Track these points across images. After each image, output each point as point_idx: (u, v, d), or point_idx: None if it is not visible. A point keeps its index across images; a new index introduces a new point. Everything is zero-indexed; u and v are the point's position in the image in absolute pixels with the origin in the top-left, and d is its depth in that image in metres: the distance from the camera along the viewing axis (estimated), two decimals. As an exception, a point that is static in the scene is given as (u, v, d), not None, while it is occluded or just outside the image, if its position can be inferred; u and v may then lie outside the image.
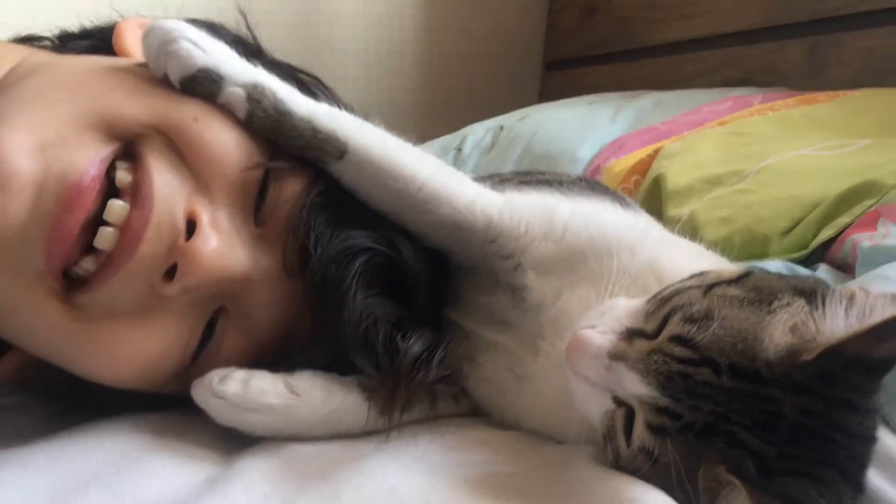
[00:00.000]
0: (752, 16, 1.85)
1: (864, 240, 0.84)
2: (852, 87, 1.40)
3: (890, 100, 1.25)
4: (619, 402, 0.57)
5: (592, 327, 0.59)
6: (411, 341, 0.67)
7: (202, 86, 0.67)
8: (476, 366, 0.73)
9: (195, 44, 0.67)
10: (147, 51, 0.68)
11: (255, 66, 0.71)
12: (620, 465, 0.57)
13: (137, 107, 0.66)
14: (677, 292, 0.58)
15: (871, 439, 0.55)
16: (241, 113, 0.67)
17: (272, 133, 0.68)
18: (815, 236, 0.92)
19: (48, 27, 0.84)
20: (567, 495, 0.58)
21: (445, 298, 0.77)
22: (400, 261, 0.71)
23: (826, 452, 0.52)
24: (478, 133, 1.72)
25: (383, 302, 0.69)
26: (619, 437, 0.57)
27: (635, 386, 0.55)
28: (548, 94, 2.48)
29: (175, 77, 0.67)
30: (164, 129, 0.65)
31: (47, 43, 0.82)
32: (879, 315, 0.50)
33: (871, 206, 0.90)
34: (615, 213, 0.78)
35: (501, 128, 1.68)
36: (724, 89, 1.59)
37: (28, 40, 0.82)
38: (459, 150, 1.68)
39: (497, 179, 0.98)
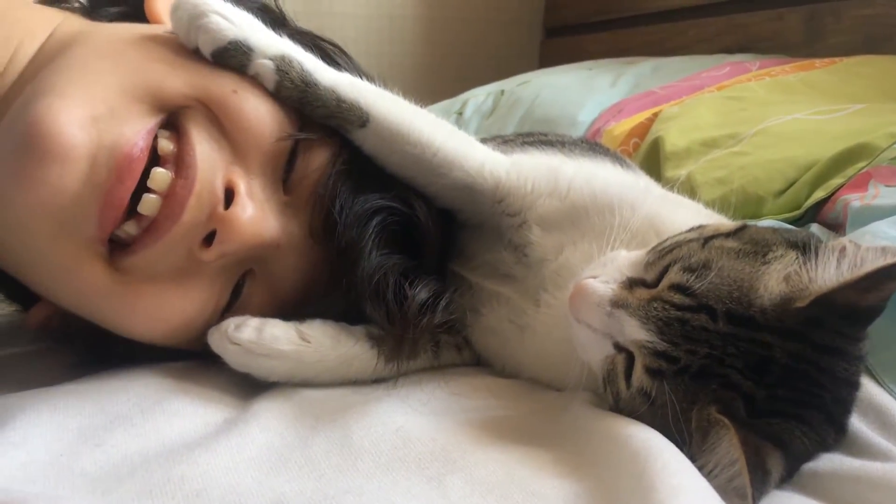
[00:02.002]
0: (752, -18, 1.87)
1: (854, 200, 0.86)
2: (850, 55, 1.42)
3: (884, 66, 1.27)
4: (619, 347, 0.60)
5: (595, 277, 0.62)
6: (418, 289, 0.70)
7: (233, 58, 0.69)
8: (479, 317, 0.76)
9: (224, 17, 0.68)
10: (177, 25, 0.69)
11: (280, 35, 0.73)
12: (620, 408, 0.61)
13: (179, 79, 0.68)
14: (677, 244, 0.61)
15: (855, 384, 0.59)
16: (271, 84, 0.70)
17: (298, 102, 0.70)
18: (808, 197, 0.95)
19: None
20: (565, 434, 0.61)
21: (451, 253, 0.80)
22: (414, 217, 0.74)
23: (812, 395, 0.55)
24: (479, 97, 1.74)
25: (395, 256, 0.72)
26: (620, 380, 0.60)
27: (635, 331, 0.58)
28: (548, 60, 2.48)
29: (207, 50, 0.69)
30: (206, 100, 0.68)
31: (77, 5, 0.82)
32: (870, 266, 0.54)
33: (862, 167, 0.92)
34: (617, 173, 0.81)
35: (502, 92, 1.70)
36: (721, 55, 1.61)
37: (57, 2, 0.82)
38: (461, 114, 1.70)
39: (500, 140, 1.00)
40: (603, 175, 0.76)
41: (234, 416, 0.64)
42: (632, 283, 0.61)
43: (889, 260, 0.53)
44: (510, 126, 1.56)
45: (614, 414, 0.61)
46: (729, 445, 0.53)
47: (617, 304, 0.60)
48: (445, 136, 0.74)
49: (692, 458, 0.54)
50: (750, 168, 0.99)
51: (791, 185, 0.97)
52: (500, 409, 0.67)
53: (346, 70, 0.80)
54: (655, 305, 0.58)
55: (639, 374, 0.58)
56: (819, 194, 0.93)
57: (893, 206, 0.82)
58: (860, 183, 0.90)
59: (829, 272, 0.56)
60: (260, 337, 0.67)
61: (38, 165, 0.61)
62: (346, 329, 0.71)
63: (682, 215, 0.70)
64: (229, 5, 0.70)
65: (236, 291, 0.71)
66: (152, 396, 0.65)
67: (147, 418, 0.61)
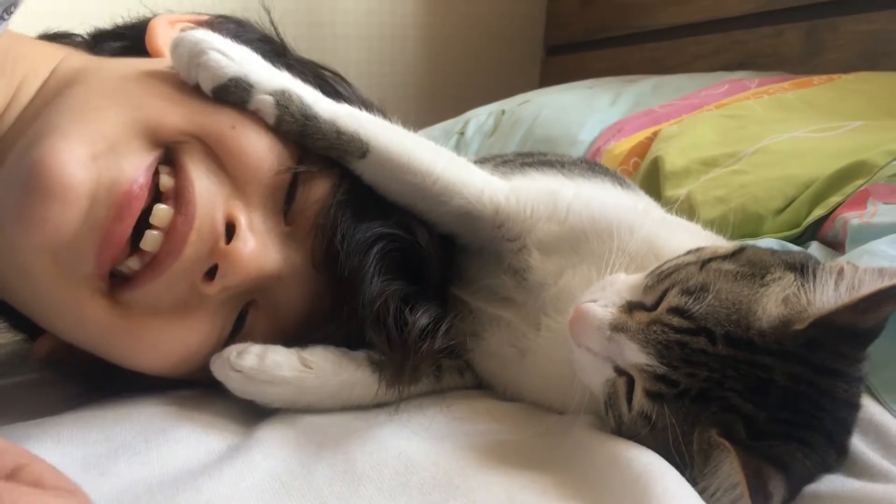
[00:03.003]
0: (751, 0, 1.87)
1: (853, 218, 0.87)
2: (849, 71, 1.43)
3: (882, 83, 1.27)
4: (619, 371, 0.61)
5: (594, 301, 0.63)
6: (419, 314, 0.71)
7: (234, 94, 0.70)
8: (480, 341, 0.77)
9: (224, 54, 0.69)
10: (177, 62, 0.70)
11: (279, 67, 0.74)
12: (623, 431, 0.61)
13: (178, 115, 0.69)
14: (675, 268, 0.62)
15: (855, 406, 0.59)
16: (271, 119, 0.70)
17: (299, 136, 0.71)
18: (807, 215, 0.95)
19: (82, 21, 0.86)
20: (567, 458, 0.61)
21: (452, 278, 0.80)
22: (415, 243, 0.75)
23: (813, 417, 0.55)
24: (480, 117, 1.75)
25: (396, 282, 0.72)
26: (622, 403, 0.60)
27: (635, 355, 0.59)
28: (549, 78, 2.50)
29: (207, 87, 0.69)
30: (204, 136, 0.69)
31: (79, 39, 0.83)
32: (868, 288, 0.54)
33: (861, 185, 0.93)
34: (615, 195, 0.82)
35: (503, 112, 1.71)
36: (721, 73, 1.61)
37: (60, 37, 0.83)
38: (462, 134, 1.71)
39: (499, 160, 1.01)
40: (601, 198, 0.77)
41: (238, 443, 0.64)
42: (631, 307, 0.62)
43: (887, 282, 0.53)
44: (511, 145, 1.57)
45: (616, 437, 0.61)
46: (730, 468, 0.53)
47: (616, 327, 0.60)
48: (445, 163, 0.75)
49: (694, 482, 0.54)
50: (749, 187, 1.00)
51: (790, 203, 0.97)
52: (502, 433, 0.67)
53: (348, 98, 0.81)
54: (655, 329, 0.58)
55: (639, 397, 0.58)
56: (818, 212, 0.94)
57: (892, 224, 0.82)
58: (859, 201, 0.90)
59: (828, 294, 0.56)
60: (262, 364, 0.68)
61: (40, 205, 0.62)
62: (348, 355, 0.71)
63: (680, 237, 0.70)
64: (229, 42, 0.71)
65: (240, 321, 0.72)
66: (156, 425, 0.65)
67: (151, 447, 0.62)
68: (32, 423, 0.65)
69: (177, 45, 0.70)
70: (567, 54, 2.63)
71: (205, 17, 0.83)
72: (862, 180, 0.93)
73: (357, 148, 0.71)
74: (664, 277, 0.61)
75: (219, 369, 0.69)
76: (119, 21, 0.85)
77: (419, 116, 1.63)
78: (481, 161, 1.13)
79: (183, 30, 0.80)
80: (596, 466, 0.58)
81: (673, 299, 0.59)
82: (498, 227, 0.76)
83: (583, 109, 1.54)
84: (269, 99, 0.70)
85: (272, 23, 0.85)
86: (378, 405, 0.72)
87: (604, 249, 0.69)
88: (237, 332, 0.72)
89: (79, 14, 0.82)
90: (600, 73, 2.01)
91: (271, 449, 0.62)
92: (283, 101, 0.70)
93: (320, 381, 0.69)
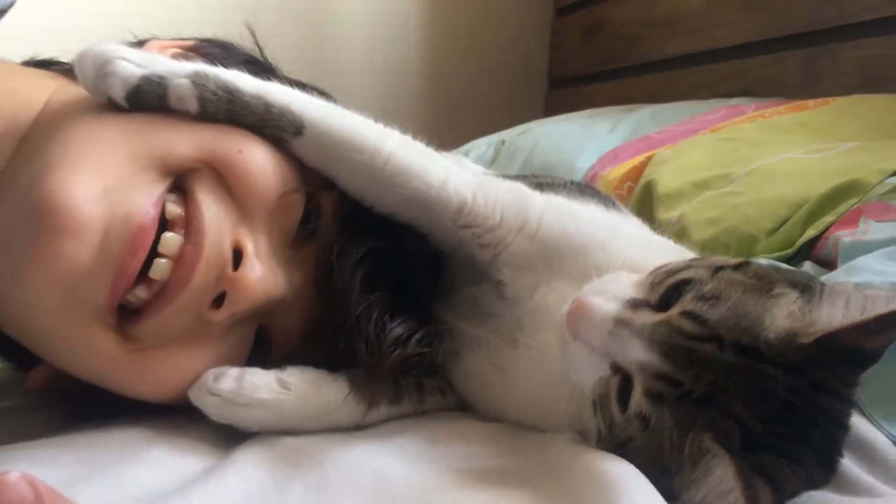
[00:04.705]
0: (750, 29, 1.89)
1: (845, 236, 0.86)
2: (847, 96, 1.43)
3: (877, 105, 1.27)
4: (616, 368, 0.59)
5: (597, 294, 0.61)
6: (396, 323, 0.70)
7: (148, 93, 0.68)
8: (460, 361, 0.76)
9: (128, 60, 0.68)
10: (84, 79, 0.69)
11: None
12: (613, 434, 0.59)
13: (186, 143, 0.68)
14: (682, 268, 0.61)
15: (847, 427, 0.58)
16: (193, 102, 0.68)
17: (228, 116, 0.69)
18: (800, 235, 0.94)
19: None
20: (543, 474, 0.60)
21: (436, 291, 0.79)
22: (404, 257, 0.75)
23: (806, 433, 0.54)
24: (480, 147, 1.76)
25: (381, 293, 0.72)
26: (613, 404, 0.59)
27: (640, 352, 0.57)
28: (552, 111, 2.51)
29: (119, 95, 0.68)
30: (213, 162, 0.68)
31: (68, 67, 0.82)
32: (881, 309, 0.53)
33: (854, 204, 0.92)
34: (589, 209, 0.79)
35: (503, 142, 1.72)
36: (718, 100, 1.62)
37: (48, 64, 0.84)
38: (462, 165, 1.72)
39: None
40: (573, 210, 0.75)
41: (214, 465, 0.63)
42: (635, 304, 0.60)
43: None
44: (511, 173, 1.57)
45: (594, 450, 0.60)
46: (724, 475, 0.51)
47: (621, 322, 0.59)
48: (397, 143, 0.71)
49: (683, 487, 0.53)
50: (742, 207, 0.99)
51: (783, 223, 0.97)
52: (480, 455, 0.66)
53: None
54: (662, 330, 0.57)
55: (638, 397, 0.57)
56: (811, 232, 0.93)
57: (884, 241, 0.82)
58: (851, 219, 0.90)
59: (836, 313, 0.55)
60: (240, 386, 0.67)
61: (53, 240, 0.62)
62: (328, 376, 0.71)
63: (655, 255, 0.68)
64: (133, 49, 0.69)
65: (263, 344, 0.73)
66: (133, 447, 0.65)
67: (126, 468, 0.61)
68: (10, 447, 0.64)
69: (80, 62, 0.68)
70: (570, 87, 2.65)
71: (190, 42, 0.83)
72: (855, 199, 0.93)
73: (289, 122, 0.69)
74: (670, 275, 0.61)
75: (196, 395, 0.68)
76: None
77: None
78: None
79: (173, 56, 0.81)
80: (572, 481, 0.57)
81: (688, 304, 0.57)
82: (462, 226, 0.73)
83: (581, 137, 1.55)
84: (185, 81, 0.68)
85: (257, 43, 0.86)
86: (359, 427, 0.71)
87: (578, 266, 0.68)
88: (264, 355, 0.73)
89: (64, 40, 0.82)
90: (603, 105, 2.02)
91: (246, 470, 0.61)
92: (200, 80, 0.68)
93: (299, 403, 0.68)
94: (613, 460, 0.56)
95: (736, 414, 0.54)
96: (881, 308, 0.53)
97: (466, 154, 1.75)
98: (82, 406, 0.74)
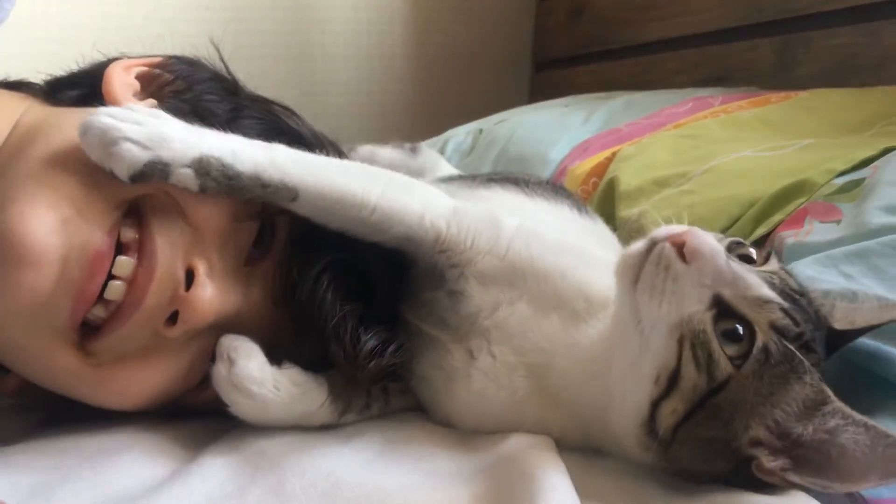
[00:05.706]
0: (727, 15, 1.91)
1: (789, 236, 0.89)
2: (820, 85, 1.46)
3: (835, 100, 1.30)
4: (716, 302, 0.62)
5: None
6: (370, 335, 0.75)
7: (152, 176, 0.69)
8: (415, 361, 0.79)
9: (133, 141, 0.68)
10: (90, 150, 0.69)
11: (229, 105, 0.77)
12: (710, 372, 0.60)
13: None
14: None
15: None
16: (195, 188, 0.70)
17: (227, 194, 0.72)
18: (751, 233, 0.97)
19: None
20: (490, 474, 0.65)
21: (401, 294, 0.83)
22: (363, 267, 0.78)
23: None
24: (459, 136, 1.78)
25: (350, 303, 0.76)
26: (712, 339, 0.61)
27: (762, 289, 0.62)
28: (538, 94, 2.53)
29: (123, 176, 0.68)
30: (167, 188, 0.71)
31: (37, 87, 0.86)
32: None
33: (801, 203, 0.95)
34: (560, 228, 0.83)
35: (481, 131, 1.75)
36: (690, 90, 1.64)
37: (18, 86, 0.86)
38: (441, 153, 1.74)
39: (469, 179, 1.07)
40: (542, 236, 0.78)
41: (181, 467, 0.68)
42: (736, 254, 0.66)
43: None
44: (487, 165, 1.60)
45: (538, 451, 0.66)
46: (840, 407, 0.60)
47: (740, 258, 0.65)
48: (381, 190, 0.75)
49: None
50: (696, 206, 1.02)
51: (735, 222, 1.00)
52: (433, 456, 0.70)
53: (298, 130, 0.85)
54: (773, 278, 0.64)
55: (764, 329, 0.60)
56: (761, 230, 0.96)
57: (823, 243, 0.85)
58: (797, 219, 0.93)
59: (871, 312, 0.69)
60: (235, 369, 0.72)
61: (14, 271, 0.66)
62: (313, 382, 0.74)
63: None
64: (136, 124, 0.69)
65: None
66: (105, 452, 0.69)
67: (97, 472, 0.66)
68: (-16, 452, 0.69)
69: (85, 133, 0.69)
70: (555, 70, 2.66)
71: (157, 59, 0.85)
72: (803, 199, 0.96)
73: (286, 195, 0.73)
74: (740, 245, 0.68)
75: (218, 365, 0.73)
76: (74, 67, 0.88)
77: (408, 134, 1.66)
78: (449, 180, 1.17)
79: (138, 76, 0.84)
80: (510, 477, 0.62)
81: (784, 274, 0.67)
82: (439, 252, 0.78)
83: (556, 128, 1.57)
84: (188, 171, 0.69)
85: (222, 60, 0.88)
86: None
87: (539, 291, 0.73)
88: None
89: (34, 57, 0.84)
90: (587, 88, 2.05)
91: (210, 473, 0.66)
92: (202, 168, 0.70)
93: (283, 408, 0.73)
94: (548, 462, 0.62)
95: (820, 368, 0.62)
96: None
97: (445, 143, 1.77)
98: (58, 410, 0.78)
